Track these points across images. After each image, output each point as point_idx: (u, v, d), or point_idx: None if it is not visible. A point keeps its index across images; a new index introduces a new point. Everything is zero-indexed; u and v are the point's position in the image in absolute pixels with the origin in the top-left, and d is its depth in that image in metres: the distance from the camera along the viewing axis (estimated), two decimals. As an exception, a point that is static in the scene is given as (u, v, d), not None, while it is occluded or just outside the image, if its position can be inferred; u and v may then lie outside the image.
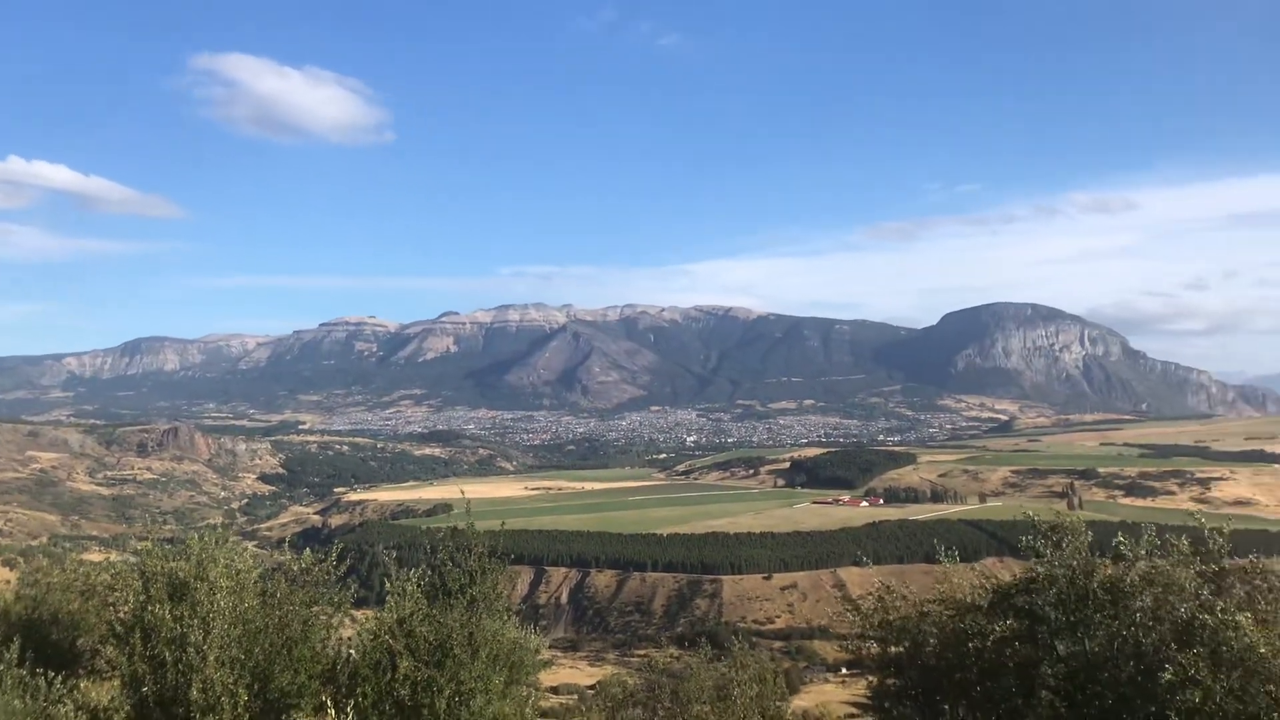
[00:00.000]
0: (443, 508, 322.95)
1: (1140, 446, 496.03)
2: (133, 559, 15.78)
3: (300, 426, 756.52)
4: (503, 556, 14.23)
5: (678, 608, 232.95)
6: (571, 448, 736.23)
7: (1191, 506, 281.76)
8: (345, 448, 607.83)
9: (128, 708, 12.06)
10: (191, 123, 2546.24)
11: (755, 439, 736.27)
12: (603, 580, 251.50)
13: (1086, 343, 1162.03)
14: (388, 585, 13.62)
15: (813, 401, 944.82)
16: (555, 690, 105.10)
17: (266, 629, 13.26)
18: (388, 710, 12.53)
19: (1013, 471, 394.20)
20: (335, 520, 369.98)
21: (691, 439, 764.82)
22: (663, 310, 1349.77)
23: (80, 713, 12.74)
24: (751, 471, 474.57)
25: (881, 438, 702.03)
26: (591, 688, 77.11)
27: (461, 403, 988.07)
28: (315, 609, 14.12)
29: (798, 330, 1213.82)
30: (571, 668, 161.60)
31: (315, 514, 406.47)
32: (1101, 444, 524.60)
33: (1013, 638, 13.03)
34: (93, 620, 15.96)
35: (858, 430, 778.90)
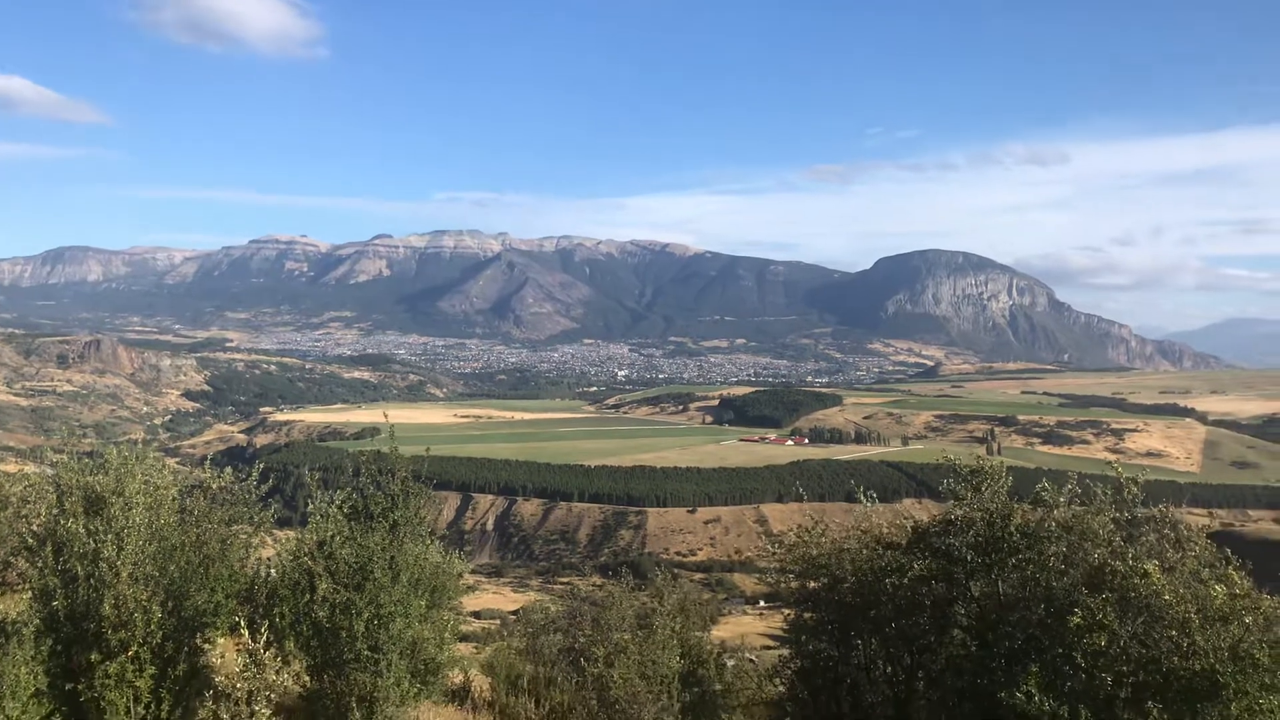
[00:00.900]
0: (371, 431, 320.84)
1: (1060, 396, 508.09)
2: (48, 471, 15.34)
3: (227, 344, 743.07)
4: (427, 481, 14.08)
5: (602, 538, 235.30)
6: (503, 377, 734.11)
7: (1106, 456, 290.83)
8: (273, 367, 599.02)
9: (37, 621, 11.80)
10: (117, 25, 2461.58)
11: (686, 376, 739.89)
12: (529, 509, 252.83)
13: (1014, 293, 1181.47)
14: (310, 507, 13.43)
15: (744, 340, 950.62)
16: (478, 615, 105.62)
17: (183, 546, 13.02)
18: (305, 631, 12.42)
19: (936, 416, 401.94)
20: (261, 440, 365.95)
21: (623, 373, 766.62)
22: (599, 243, 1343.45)
23: (-13, 625, 12.46)
24: (681, 408, 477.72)
25: (810, 379, 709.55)
26: (514, 613, 77.76)
27: (393, 327, 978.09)
28: (235, 528, 13.90)
29: (733, 269, 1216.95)
30: (495, 594, 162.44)
31: (240, 433, 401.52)
32: (1023, 392, 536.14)
33: (929, 577, 13.26)
34: (4, 532, 15.55)
35: (787, 370, 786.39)
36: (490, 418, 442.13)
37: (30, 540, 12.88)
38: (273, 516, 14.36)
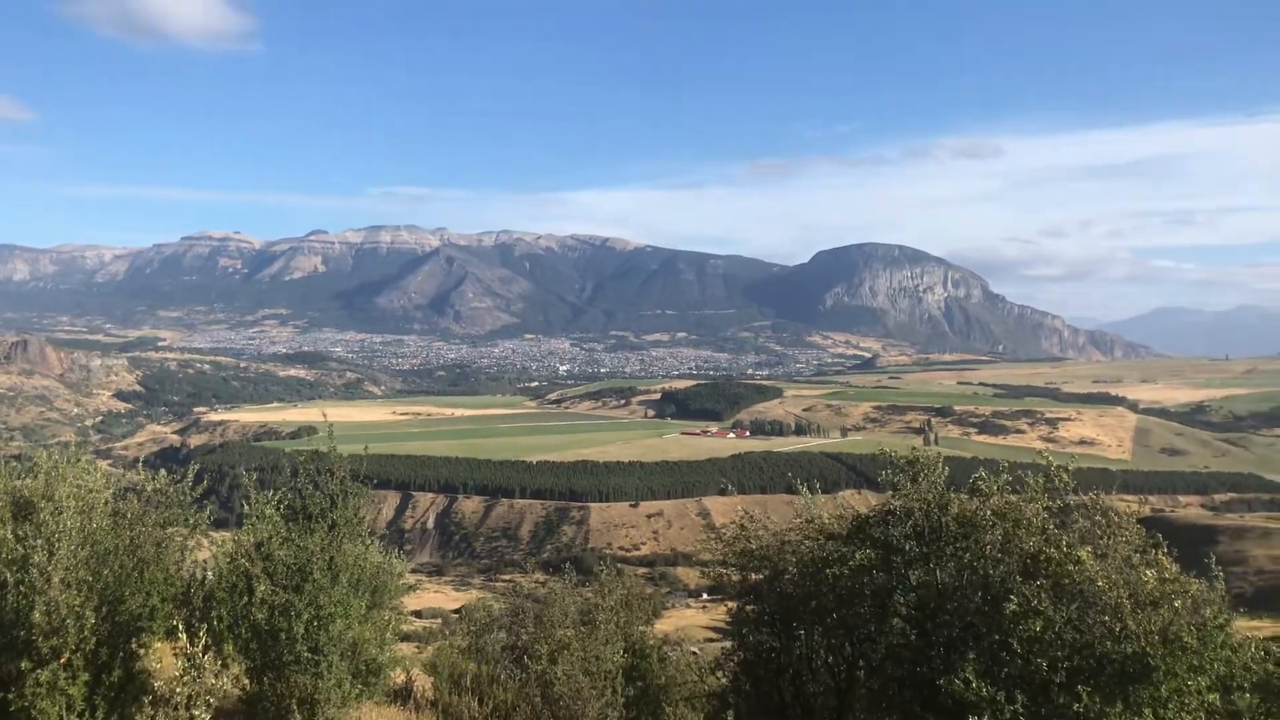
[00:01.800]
0: (307, 430, 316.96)
1: (995, 386, 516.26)
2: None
3: (160, 343, 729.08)
4: (366, 480, 13.96)
5: (545, 534, 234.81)
6: (442, 373, 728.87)
7: (1041, 445, 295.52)
8: (207, 366, 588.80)
9: (-35, 631, 11.50)
10: (44, 20, 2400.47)
11: (628, 370, 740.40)
12: (470, 506, 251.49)
13: (949, 285, 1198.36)
14: (247, 508, 13.25)
15: (685, 334, 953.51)
16: (419, 614, 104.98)
17: (117, 550, 12.76)
18: (244, 634, 12.26)
19: (874, 407, 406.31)
20: (195, 440, 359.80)
21: (564, 368, 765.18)
22: (539, 238, 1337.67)
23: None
24: (623, 402, 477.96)
25: (750, 371, 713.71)
26: (456, 612, 77.37)
27: (329, 324, 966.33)
28: (170, 531, 13.65)
29: (673, 263, 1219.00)
30: (437, 592, 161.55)
31: (174, 434, 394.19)
32: (959, 383, 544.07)
33: (869, 567, 13.42)
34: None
35: (728, 364, 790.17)
36: (430, 415, 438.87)
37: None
38: (208, 518, 14.12)
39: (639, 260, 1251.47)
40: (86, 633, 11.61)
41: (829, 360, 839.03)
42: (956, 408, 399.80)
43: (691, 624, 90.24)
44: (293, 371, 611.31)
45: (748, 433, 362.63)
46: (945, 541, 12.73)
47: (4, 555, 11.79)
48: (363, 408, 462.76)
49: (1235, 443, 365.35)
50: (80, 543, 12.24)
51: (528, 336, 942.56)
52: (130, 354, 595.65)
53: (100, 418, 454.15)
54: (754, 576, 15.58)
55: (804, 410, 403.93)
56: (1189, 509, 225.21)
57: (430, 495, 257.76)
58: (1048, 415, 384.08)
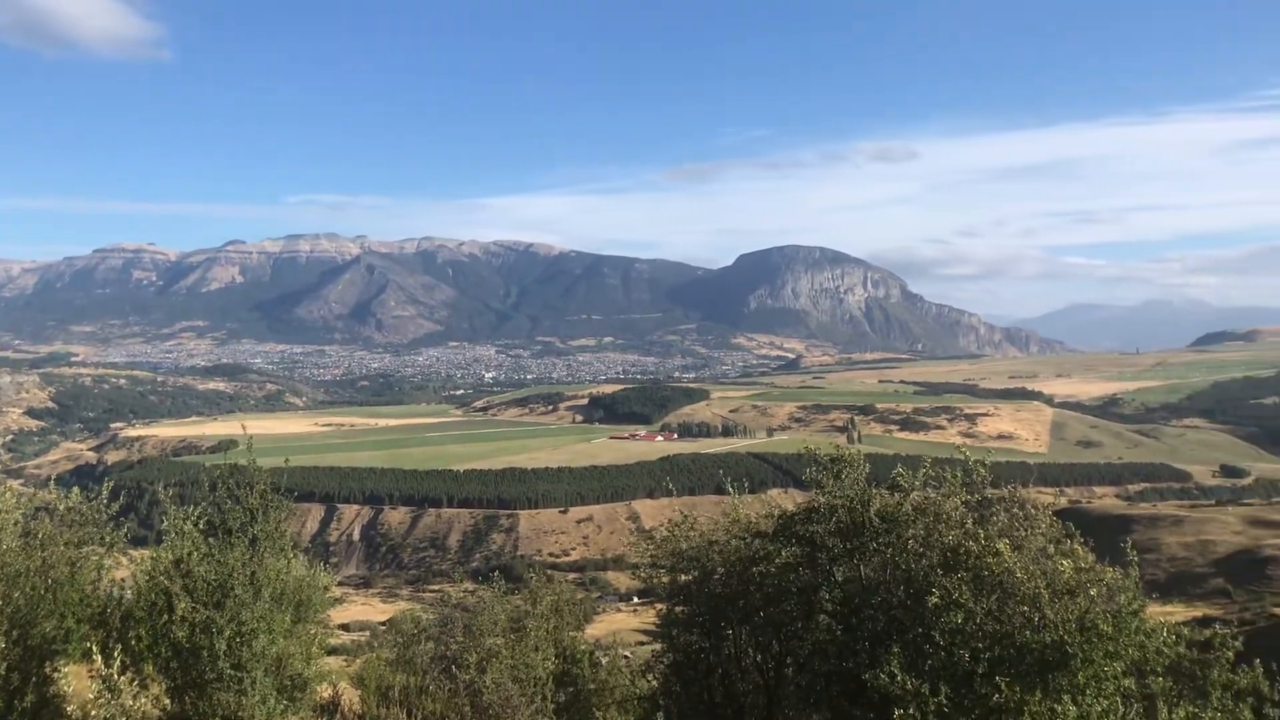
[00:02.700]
0: (228, 444, 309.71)
1: (915, 384, 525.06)
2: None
3: (73, 359, 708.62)
4: (288, 493, 13.75)
5: (473, 543, 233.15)
6: (365, 383, 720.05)
7: (960, 440, 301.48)
8: (123, 381, 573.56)
9: None
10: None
11: (555, 375, 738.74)
12: (397, 517, 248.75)
13: (869, 285, 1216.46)
14: (165, 524, 12.97)
15: (611, 339, 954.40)
16: (346, 627, 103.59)
17: (28, 572, 12.40)
18: (164, 653, 12.01)
19: (798, 407, 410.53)
20: (112, 457, 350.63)
21: (490, 375, 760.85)
22: (462, 244, 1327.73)
23: None
24: (550, 408, 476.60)
25: (677, 374, 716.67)
26: (384, 624, 76.48)
27: (248, 336, 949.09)
28: (85, 550, 13.29)
29: (598, 268, 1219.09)
30: (364, 605, 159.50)
31: (90, 450, 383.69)
32: (880, 381, 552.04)
33: (795, 564, 13.57)
34: None
35: (654, 367, 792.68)
36: (353, 425, 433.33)
37: None
38: (126, 536, 13.79)
39: (564, 265, 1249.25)
40: (-3, 658, 11.27)
41: (754, 362, 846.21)
42: (879, 406, 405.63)
43: (623, 627, 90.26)
44: (212, 385, 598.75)
45: (676, 435, 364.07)
46: (868, 537, 12.93)
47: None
48: (285, 420, 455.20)
49: (1147, 434, 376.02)
50: (-12, 566, 11.89)
51: (452, 344, 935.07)
52: (42, 370, 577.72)
53: (11, 436, 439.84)
54: (683, 578, 15.66)
55: (731, 412, 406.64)
56: (1104, 499, 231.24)
57: (356, 507, 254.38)
58: (967, 411, 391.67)
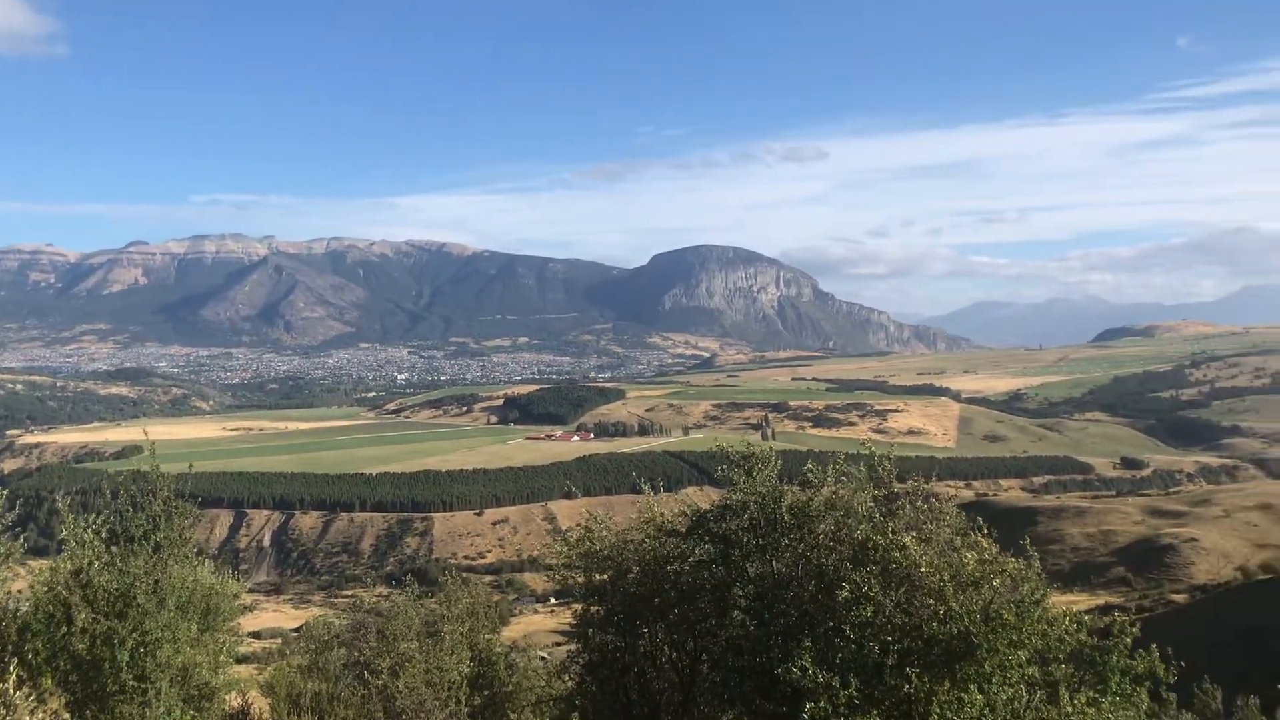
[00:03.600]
0: (132, 450, 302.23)
1: (827, 381, 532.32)
2: None
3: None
4: (194, 499, 13.46)
5: (387, 547, 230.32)
6: (274, 386, 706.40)
7: (871, 436, 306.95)
8: (19, 386, 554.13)
9: None
10: None
11: (469, 376, 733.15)
12: (308, 522, 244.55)
13: (782, 284, 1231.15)
14: (64, 533, 12.58)
15: (527, 339, 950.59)
16: (257, 635, 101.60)
17: (-84, 587, 11.96)
18: (63, 666, 11.67)
19: (714, 405, 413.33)
20: (9, 465, 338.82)
21: (403, 377, 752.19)
22: (373, 244, 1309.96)
23: None
24: (465, 409, 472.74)
25: (593, 374, 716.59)
26: (296, 630, 75.18)
27: (152, 339, 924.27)
28: (-22, 562, 12.84)
29: (512, 268, 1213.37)
30: (276, 611, 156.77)
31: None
32: (793, 379, 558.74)
33: (709, 561, 13.69)
34: None
35: (570, 367, 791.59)
36: (262, 429, 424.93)
37: None
38: (24, 546, 13.34)
39: (477, 265, 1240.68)
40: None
41: (669, 361, 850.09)
42: (792, 403, 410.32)
43: (540, 629, 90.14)
44: (115, 389, 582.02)
45: (592, 435, 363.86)
46: (780, 533, 13.11)
47: None
48: (191, 424, 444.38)
49: (1051, 428, 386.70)
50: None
51: (364, 345, 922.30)
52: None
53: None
54: (598, 577, 15.69)
55: (647, 411, 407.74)
56: (1010, 492, 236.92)
57: (266, 512, 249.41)
58: (877, 407, 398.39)
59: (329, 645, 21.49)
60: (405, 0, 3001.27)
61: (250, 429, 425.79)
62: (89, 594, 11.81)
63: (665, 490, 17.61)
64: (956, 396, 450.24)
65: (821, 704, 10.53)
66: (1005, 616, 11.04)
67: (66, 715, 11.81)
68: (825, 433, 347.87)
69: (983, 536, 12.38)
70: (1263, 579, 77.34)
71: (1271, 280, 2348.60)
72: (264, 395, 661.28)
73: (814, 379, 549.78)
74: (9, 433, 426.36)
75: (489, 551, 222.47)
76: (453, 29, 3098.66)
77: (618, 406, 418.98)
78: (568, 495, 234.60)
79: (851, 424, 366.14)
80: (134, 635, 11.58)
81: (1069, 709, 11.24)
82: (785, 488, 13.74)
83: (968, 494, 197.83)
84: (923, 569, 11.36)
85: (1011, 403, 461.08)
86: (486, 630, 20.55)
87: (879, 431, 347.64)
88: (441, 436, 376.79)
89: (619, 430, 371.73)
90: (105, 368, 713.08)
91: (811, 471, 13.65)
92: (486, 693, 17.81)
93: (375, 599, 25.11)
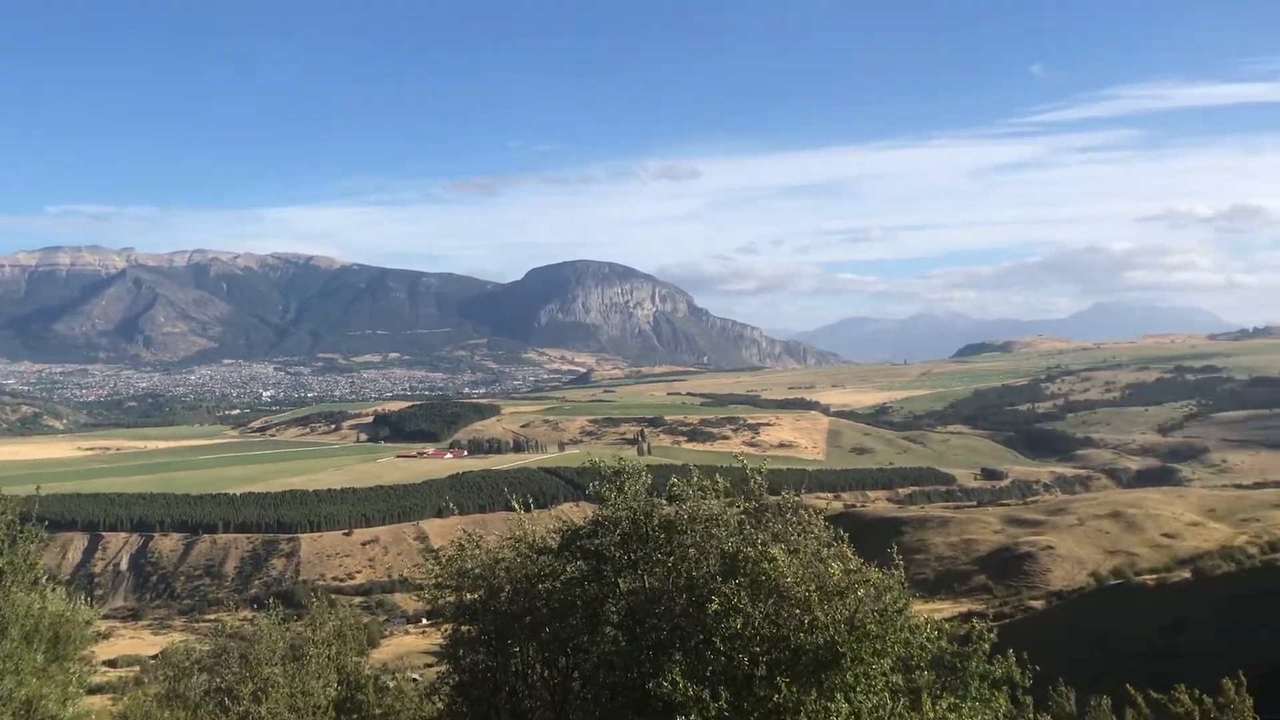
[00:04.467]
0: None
1: (702, 396, 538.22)
2: None
3: None
4: (42, 522, 12.84)
5: (252, 569, 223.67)
6: (133, 404, 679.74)
7: (744, 450, 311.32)
8: None
9: None
10: None
11: (338, 393, 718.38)
12: (168, 544, 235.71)
13: (657, 300, 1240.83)
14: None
15: (398, 355, 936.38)
16: (113, 663, 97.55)
17: None
18: (-108, 704, 10.98)
19: (590, 421, 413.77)
20: None
21: (269, 394, 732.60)
22: (237, 257, 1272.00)
23: None
24: (333, 427, 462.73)
25: (467, 390, 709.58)
26: (154, 657, 72.31)
27: (0, 354, 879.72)
28: None
29: (383, 282, 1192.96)
30: (133, 638, 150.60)
31: None
32: (669, 394, 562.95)
33: (581, 578, 13.67)
34: None
35: (443, 383, 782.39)
36: (120, 449, 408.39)
37: None
38: None
39: (346, 279, 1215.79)
40: None
41: (545, 376, 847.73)
42: (667, 418, 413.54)
43: (412, 650, 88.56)
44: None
45: (466, 452, 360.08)
46: (652, 547, 13.17)
47: None
48: (42, 444, 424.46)
49: (915, 440, 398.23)
50: None
51: (227, 362, 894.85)
52: None
53: None
54: (469, 596, 15.52)
55: (522, 427, 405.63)
56: (878, 503, 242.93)
57: (124, 535, 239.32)
58: (750, 421, 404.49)
59: (189, 672, 20.78)
60: (261, 4, 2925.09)
61: (107, 448, 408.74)
62: (-77, 625, 11.16)
63: (540, 507, 17.57)
64: (826, 410, 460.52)
65: (692, 717, 10.61)
66: (869, 626, 11.32)
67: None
68: (700, 447, 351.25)
69: (846, 547, 12.67)
70: (1114, 584, 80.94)
71: (1121, 298, 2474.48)
72: (122, 413, 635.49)
73: (689, 394, 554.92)
74: None
75: (359, 572, 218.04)
76: (314, 36, 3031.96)
77: (492, 423, 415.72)
78: (440, 514, 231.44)
79: (726, 438, 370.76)
80: (-27, 668, 10.99)
81: (931, 714, 11.57)
82: (657, 502, 13.83)
83: (837, 505, 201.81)
84: (789, 580, 11.55)
85: (878, 416, 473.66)
86: (355, 652, 20.17)
87: (752, 445, 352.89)
88: (309, 455, 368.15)
89: (494, 447, 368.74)
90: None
91: (680, 485, 13.77)
92: (355, 716, 17.46)
93: (239, 623, 24.39)
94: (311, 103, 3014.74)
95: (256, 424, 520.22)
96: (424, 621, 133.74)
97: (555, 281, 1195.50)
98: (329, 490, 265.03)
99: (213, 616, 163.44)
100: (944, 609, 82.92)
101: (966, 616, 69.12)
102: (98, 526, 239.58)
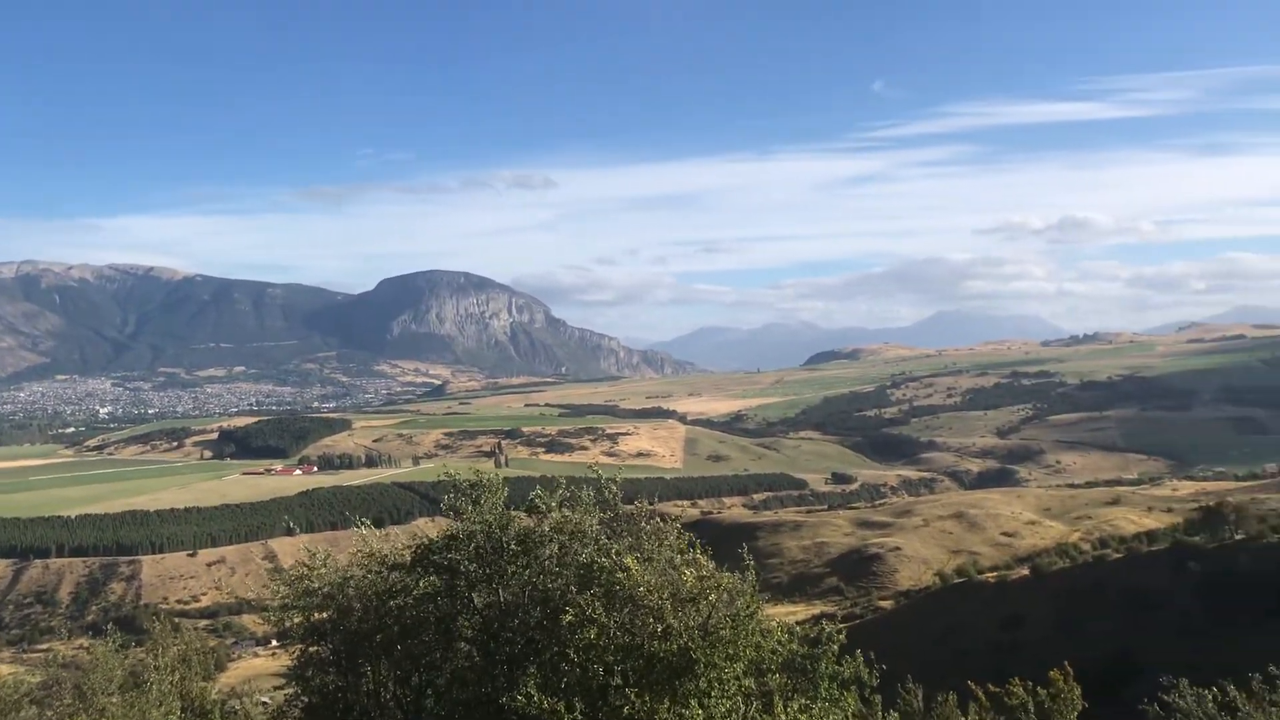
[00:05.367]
0: None
1: (560, 406, 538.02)
2: None
3: None
4: None
5: (89, 595, 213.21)
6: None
7: (603, 460, 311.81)
8: None
9: None
10: None
11: (180, 409, 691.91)
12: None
13: (514, 311, 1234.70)
14: None
15: (244, 368, 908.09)
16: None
17: None
18: None
19: (445, 434, 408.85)
20: None
21: (106, 411, 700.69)
22: (71, 268, 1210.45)
23: None
24: (176, 444, 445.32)
25: (316, 405, 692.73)
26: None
27: None
28: None
29: (227, 293, 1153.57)
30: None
31: None
32: (526, 405, 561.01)
33: (434, 594, 13.50)
34: None
35: (292, 397, 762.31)
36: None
37: None
38: None
39: (189, 291, 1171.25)
40: None
41: (399, 389, 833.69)
42: (525, 429, 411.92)
43: (262, 672, 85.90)
44: None
45: (316, 469, 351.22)
46: (507, 561, 13.11)
47: None
48: None
49: (769, 446, 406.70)
50: None
51: (60, 378, 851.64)
52: None
53: None
54: (318, 616, 15.16)
55: (375, 441, 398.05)
56: (733, 509, 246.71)
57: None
58: (609, 431, 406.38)
59: (17, 705, 19.74)
60: (92, 4, 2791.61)
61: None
62: None
63: (394, 523, 17.44)
64: (683, 419, 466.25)
65: (547, 730, 10.59)
66: (722, 631, 11.49)
67: None
68: (559, 458, 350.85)
69: (700, 553, 12.84)
70: (957, 583, 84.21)
71: (961, 306, 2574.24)
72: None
73: (547, 404, 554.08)
74: None
75: (204, 594, 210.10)
76: (148, 36, 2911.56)
77: (343, 438, 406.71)
78: (289, 532, 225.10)
79: (584, 448, 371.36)
80: None
81: (783, 717, 11.82)
82: (513, 514, 13.78)
83: (694, 512, 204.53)
84: (643, 589, 11.65)
85: (733, 423, 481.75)
86: (200, 678, 19.52)
87: (611, 455, 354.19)
88: (150, 474, 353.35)
89: (345, 462, 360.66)
90: None
91: (539, 497, 13.76)
92: (199, 745, 16.82)
93: (73, 651, 23.24)
94: (142, 106, 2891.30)
95: (93, 442, 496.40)
96: (273, 643, 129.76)
97: (408, 292, 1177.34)
98: (172, 510, 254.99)
99: (45, 646, 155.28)
100: (797, 611, 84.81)
101: (818, 618, 70.76)
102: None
